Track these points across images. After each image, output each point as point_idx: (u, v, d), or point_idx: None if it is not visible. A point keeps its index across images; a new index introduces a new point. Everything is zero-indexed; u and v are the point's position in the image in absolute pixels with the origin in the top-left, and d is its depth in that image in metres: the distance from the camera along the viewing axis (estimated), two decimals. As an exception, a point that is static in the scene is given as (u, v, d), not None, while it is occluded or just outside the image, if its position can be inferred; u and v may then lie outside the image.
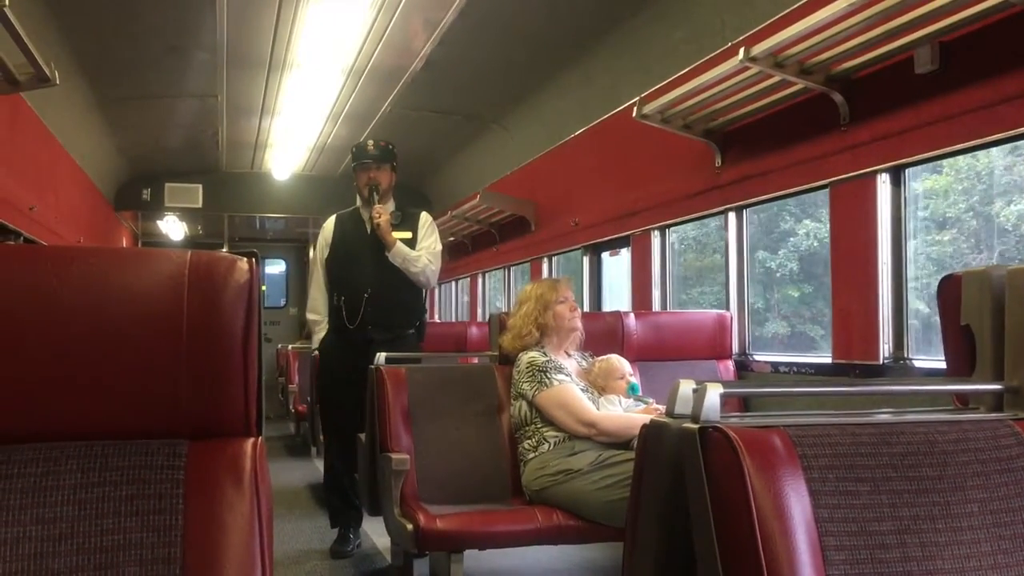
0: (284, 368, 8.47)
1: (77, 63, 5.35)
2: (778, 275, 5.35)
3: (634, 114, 4.07)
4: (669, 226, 4.71)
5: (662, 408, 2.34)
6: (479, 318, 7.81)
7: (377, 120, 6.84)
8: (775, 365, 3.82)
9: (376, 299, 3.74)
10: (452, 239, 8.00)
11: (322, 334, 3.90)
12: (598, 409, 2.95)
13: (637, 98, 4.10)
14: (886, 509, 1.04)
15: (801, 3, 3.39)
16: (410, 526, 2.67)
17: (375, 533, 3.95)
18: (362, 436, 3.38)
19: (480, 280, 8.21)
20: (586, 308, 5.59)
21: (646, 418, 1.23)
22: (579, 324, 3.17)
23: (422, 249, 3.82)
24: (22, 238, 4.94)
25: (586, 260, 5.82)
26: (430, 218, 3.97)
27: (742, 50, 3.17)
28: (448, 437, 3.07)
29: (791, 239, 5.21)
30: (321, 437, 4.48)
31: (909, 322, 3.12)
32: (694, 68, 4.11)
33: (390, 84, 6.03)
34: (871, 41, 2.90)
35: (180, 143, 7.99)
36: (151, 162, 8.62)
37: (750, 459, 1.01)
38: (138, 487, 1.01)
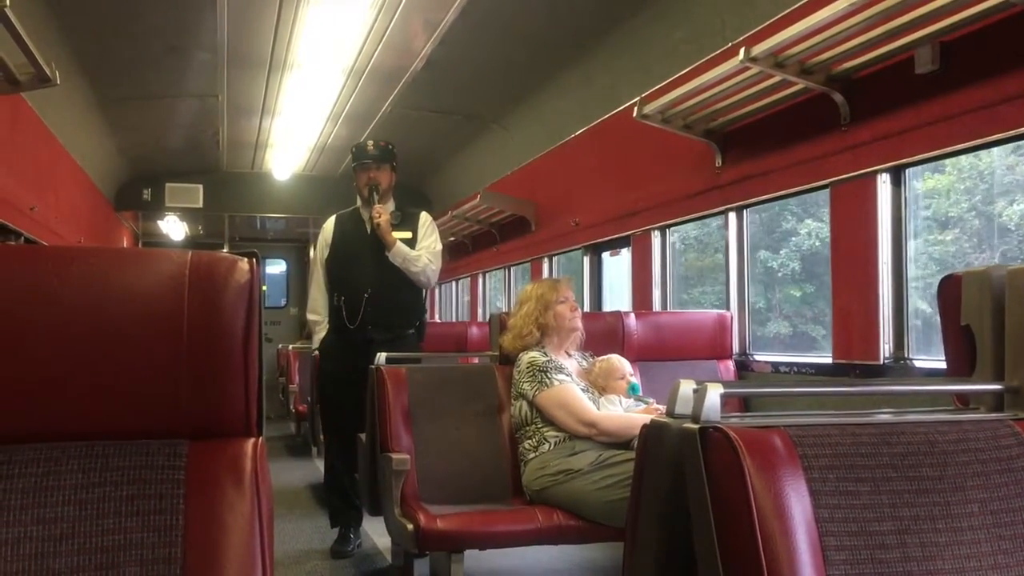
0: (285, 368, 8.47)
1: (78, 63, 5.35)
2: (780, 275, 5.35)
3: (634, 114, 4.07)
4: (669, 226, 4.71)
5: (662, 408, 2.34)
6: (479, 318, 7.81)
7: (377, 120, 6.84)
8: (775, 365, 3.82)
9: (376, 299, 3.74)
10: (452, 239, 8.00)
11: (322, 334, 3.90)
12: (598, 409, 2.95)
13: (637, 98, 4.10)
14: (886, 509, 1.04)
15: (801, 3, 3.39)
16: (410, 526, 2.67)
17: (375, 533, 3.95)
18: (362, 436, 3.38)
19: (480, 280, 8.21)
20: (586, 308, 5.59)
21: (646, 418, 1.23)
22: (579, 324, 3.17)
23: (422, 249, 3.82)
24: (23, 238, 4.94)
25: (586, 260, 5.82)
26: (430, 218, 3.97)
27: (742, 50, 3.17)
28: (448, 437, 3.07)
29: (793, 239, 5.21)
30: (321, 437, 4.48)
31: (912, 322, 3.12)
32: (694, 68, 4.11)
33: (390, 84, 6.03)
34: (871, 41, 2.90)
35: (181, 143, 8.00)
36: (152, 162, 8.62)
37: (750, 459, 1.01)
38: (139, 487, 1.01)
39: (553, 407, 2.92)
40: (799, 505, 1.01)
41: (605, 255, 5.73)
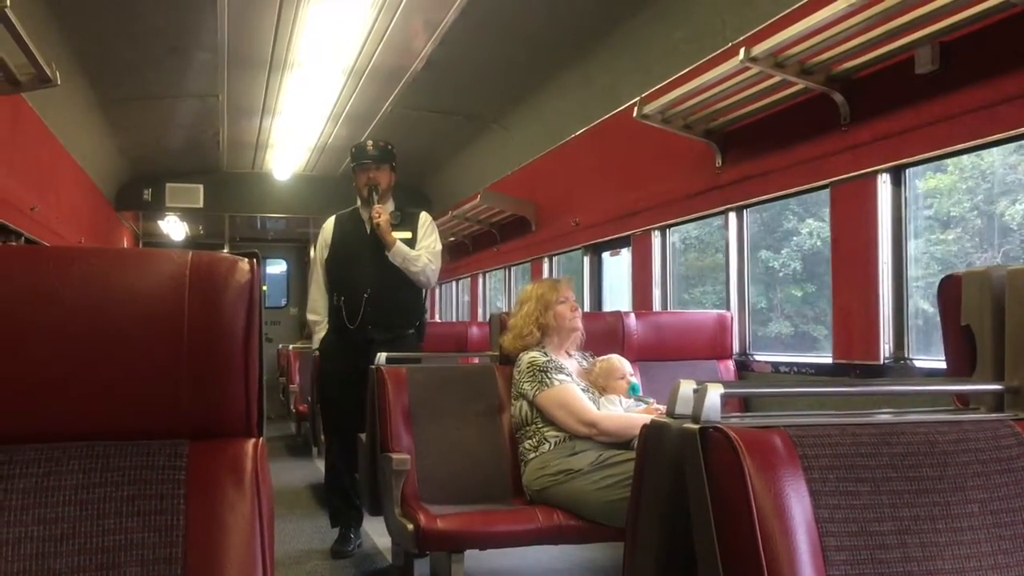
0: (285, 368, 8.47)
1: (78, 64, 5.35)
2: (781, 274, 5.35)
3: (634, 114, 4.07)
4: (670, 226, 4.71)
5: (663, 408, 2.34)
6: (480, 318, 7.81)
7: (378, 120, 6.84)
8: (775, 365, 3.82)
9: (376, 299, 3.74)
10: (453, 239, 8.01)
11: (322, 334, 3.90)
12: (599, 409, 2.95)
13: (637, 98, 4.11)
14: (886, 509, 1.04)
15: (802, 3, 3.39)
16: (411, 526, 2.67)
17: (376, 533, 3.96)
18: (363, 436, 3.38)
19: (481, 280, 8.21)
20: (587, 308, 5.59)
21: (647, 418, 1.23)
22: (580, 324, 3.17)
23: (422, 249, 3.82)
24: (23, 238, 4.95)
25: (586, 260, 5.82)
26: (429, 218, 3.97)
27: (743, 50, 3.17)
28: (449, 437, 3.07)
29: (794, 238, 5.21)
30: (322, 437, 4.49)
31: (913, 322, 3.12)
32: (694, 68, 4.11)
33: (391, 84, 6.03)
34: (872, 41, 2.91)
35: (181, 143, 8.00)
36: (152, 162, 8.62)
37: (750, 459, 1.01)
38: (139, 487, 1.01)
39: (553, 407, 2.93)
40: (799, 505, 1.01)
41: (605, 255, 5.73)
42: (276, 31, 5.07)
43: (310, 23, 4.90)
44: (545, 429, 2.93)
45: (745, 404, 3.13)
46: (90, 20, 4.85)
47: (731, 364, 3.86)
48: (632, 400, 3.03)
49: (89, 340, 1.03)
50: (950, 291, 1.39)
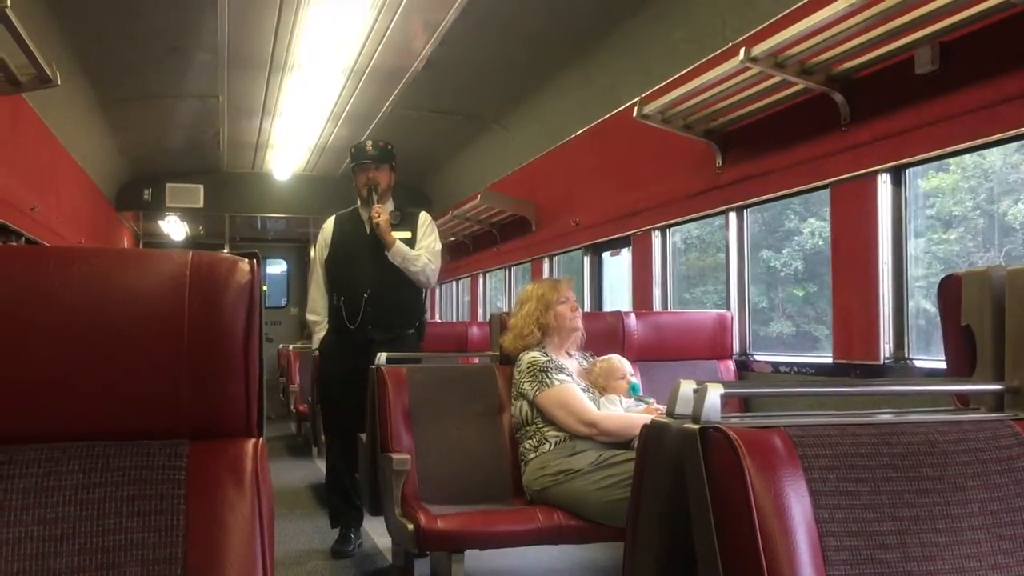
0: (285, 368, 8.47)
1: (78, 64, 5.35)
2: (782, 274, 5.35)
3: (634, 114, 4.07)
4: (670, 226, 4.71)
5: (663, 408, 2.34)
6: (480, 318, 7.81)
7: (378, 120, 6.84)
8: (776, 365, 3.82)
9: (376, 299, 3.74)
10: (453, 239, 8.01)
11: (322, 334, 3.90)
12: (599, 409, 2.95)
13: (637, 98, 4.11)
14: (886, 509, 1.04)
15: (802, 3, 3.39)
16: (411, 526, 2.67)
17: (376, 533, 3.96)
18: (363, 436, 3.38)
19: (481, 280, 8.21)
20: (587, 308, 5.59)
21: (647, 418, 1.23)
22: (580, 324, 3.17)
23: (421, 248, 3.82)
24: (24, 239, 4.95)
25: (587, 260, 5.82)
26: (429, 218, 3.97)
27: (743, 50, 3.17)
28: (449, 437, 3.07)
29: (796, 238, 5.21)
30: (322, 437, 4.49)
31: (916, 321, 3.12)
32: (695, 68, 4.12)
33: (391, 84, 6.03)
34: (872, 41, 2.91)
35: (181, 143, 8.00)
36: (152, 162, 8.62)
37: (750, 459, 1.01)
38: (139, 487, 1.01)
39: (554, 407, 2.93)
40: (799, 505, 1.01)
41: (605, 255, 5.73)
42: (276, 31, 5.07)
43: (310, 23, 4.90)
44: (545, 429, 2.93)
45: (745, 404, 3.13)
46: (90, 20, 4.85)
47: (731, 364, 3.86)
48: (632, 400, 3.03)
49: (89, 340, 1.03)
50: (950, 291, 1.39)
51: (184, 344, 1.05)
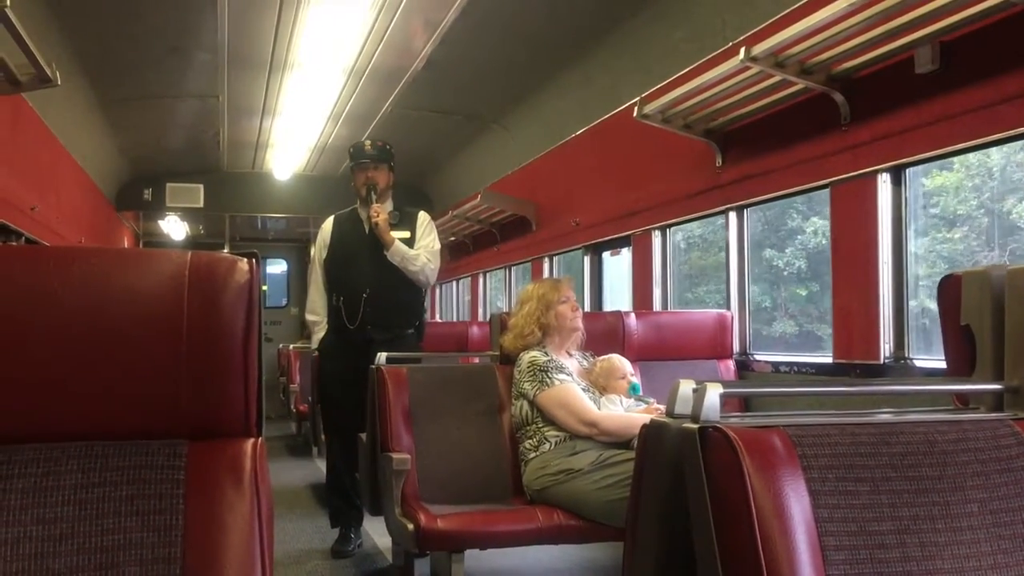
0: (285, 368, 8.47)
1: (78, 64, 5.35)
2: (785, 273, 5.34)
3: (635, 114, 4.07)
4: (670, 226, 4.71)
5: (663, 408, 2.34)
6: (480, 318, 7.81)
7: (378, 120, 6.84)
8: (776, 365, 3.82)
9: (375, 299, 3.74)
10: (453, 239, 8.01)
11: (321, 334, 3.90)
12: (599, 409, 2.95)
13: (637, 98, 4.11)
14: (886, 509, 1.04)
15: (802, 3, 3.39)
16: (411, 526, 2.67)
17: (376, 533, 3.96)
18: (363, 436, 3.38)
19: (481, 280, 8.21)
20: (587, 308, 5.59)
21: (647, 418, 1.23)
22: (580, 324, 3.17)
23: (420, 248, 3.82)
24: (24, 238, 4.95)
25: (587, 260, 5.82)
26: (428, 217, 3.97)
27: (743, 50, 3.17)
28: (449, 437, 3.07)
29: (799, 237, 5.20)
30: (322, 437, 4.49)
31: (920, 321, 3.12)
32: (695, 68, 4.11)
33: (391, 84, 6.03)
34: (872, 41, 2.91)
35: (181, 143, 8.00)
36: (152, 162, 8.63)
37: (750, 459, 1.01)
38: (138, 487, 1.01)
39: (554, 407, 2.92)
40: (798, 505, 1.01)
41: (605, 255, 5.73)
42: (276, 31, 5.07)
43: (310, 23, 4.90)
44: (545, 429, 2.93)
45: (745, 404, 3.13)
46: (90, 20, 4.85)
47: (731, 364, 3.86)
48: (632, 400, 3.03)
49: (89, 340, 1.03)
50: (950, 291, 1.39)
51: (183, 344, 1.05)
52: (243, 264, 1.09)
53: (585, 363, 3.20)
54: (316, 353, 4.12)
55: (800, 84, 3.27)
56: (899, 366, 3.08)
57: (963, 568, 1.04)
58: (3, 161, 4.61)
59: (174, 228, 11.11)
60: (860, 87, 3.18)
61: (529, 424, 2.98)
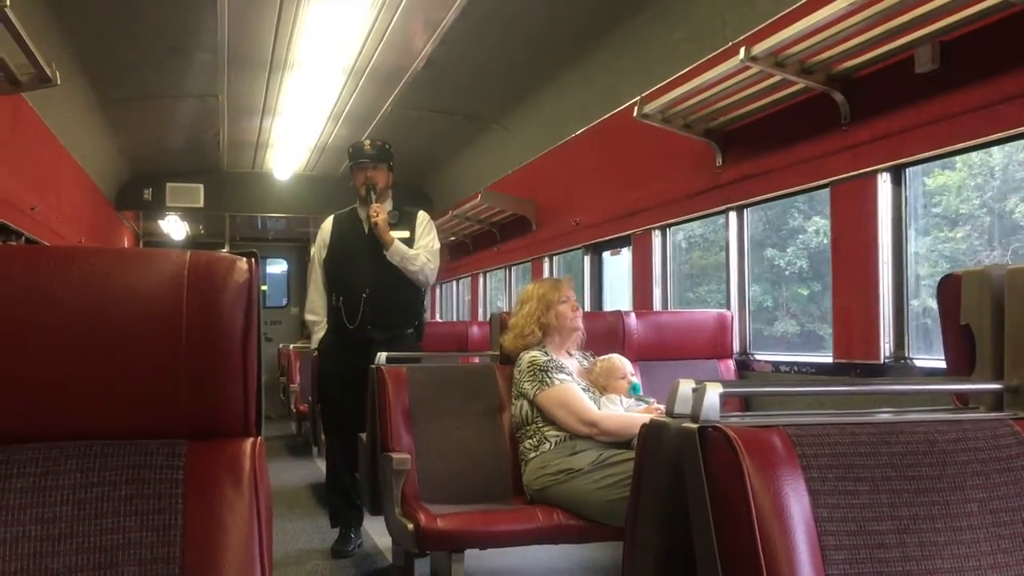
0: (285, 368, 8.47)
1: (78, 64, 5.35)
2: (787, 273, 5.34)
3: (635, 114, 4.07)
4: (670, 225, 4.71)
5: (663, 408, 2.34)
6: (480, 318, 7.81)
7: (378, 120, 6.84)
8: (776, 364, 3.82)
9: (374, 299, 3.74)
10: (453, 239, 8.01)
11: (320, 334, 3.90)
12: (599, 409, 2.95)
13: (637, 98, 4.10)
14: (885, 508, 1.04)
15: (802, 2, 3.39)
16: (411, 526, 2.67)
17: (376, 533, 3.96)
18: (363, 436, 3.38)
19: (481, 279, 8.21)
20: (587, 308, 5.58)
21: (647, 418, 1.23)
22: (581, 324, 3.17)
23: (420, 248, 3.82)
24: (24, 238, 4.95)
25: (587, 259, 5.82)
26: (427, 217, 3.97)
27: (743, 49, 3.17)
28: (449, 437, 3.07)
29: (800, 236, 5.20)
30: (322, 437, 4.49)
31: (922, 320, 3.11)
32: (695, 68, 4.11)
33: (391, 84, 6.03)
34: (871, 40, 2.90)
35: (181, 143, 8.00)
36: (152, 162, 8.63)
37: (749, 458, 1.01)
38: (137, 487, 1.01)
39: (554, 406, 2.92)
40: (798, 504, 1.01)
41: (606, 254, 5.73)
42: (276, 31, 5.07)
43: (310, 23, 4.90)
44: (545, 428, 2.93)
45: (745, 403, 3.13)
46: (90, 20, 4.85)
47: (731, 363, 3.86)
48: (633, 400, 3.03)
49: (88, 340, 1.03)
50: (950, 290, 1.39)
51: (182, 344, 1.05)
52: (242, 263, 1.09)
53: (585, 363, 3.20)
54: (316, 353, 4.12)
55: (800, 84, 3.27)
56: (899, 366, 3.08)
57: (963, 568, 1.04)
58: (3, 161, 4.61)
59: (174, 228, 11.10)
60: (860, 87, 3.18)
61: (529, 424, 2.98)
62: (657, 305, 4.73)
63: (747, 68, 3.27)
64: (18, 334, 1.01)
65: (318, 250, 3.94)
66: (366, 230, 3.79)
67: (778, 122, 3.64)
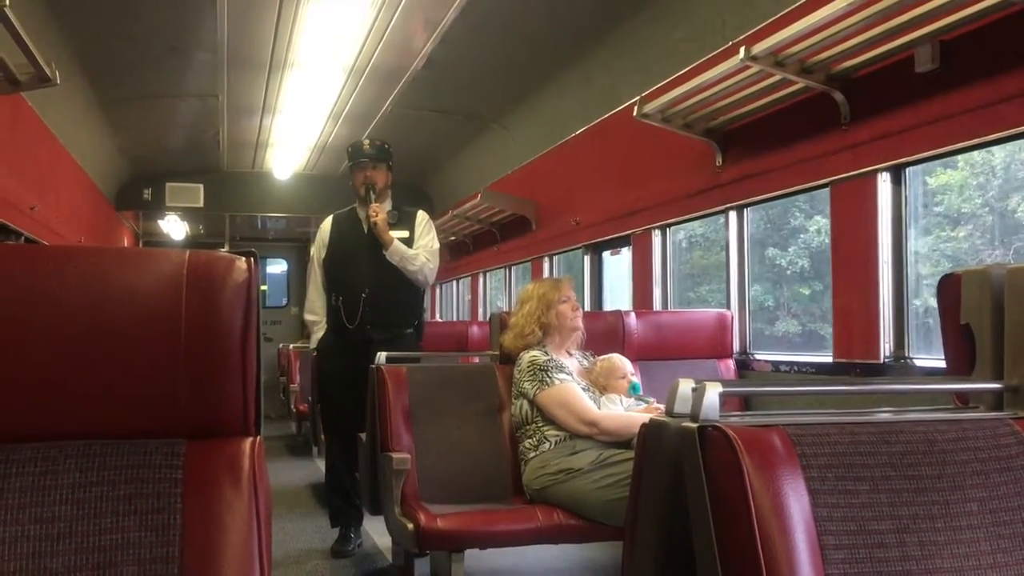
0: (285, 368, 8.47)
1: (78, 63, 5.35)
2: (788, 272, 5.33)
3: (634, 113, 4.07)
4: (670, 225, 4.71)
5: (663, 407, 2.34)
6: (480, 317, 7.81)
7: (378, 119, 6.84)
8: (776, 364, 3.82)
9: (374, 299, 3.74)
10: (453, 238, 8.01)
11: (320, 334, 3.90)
12: (599, 408, 2.95)
13: (637, 97, 4.10)
14: (885, 508, 1.04)
15: (802, 2, 3.39)
16: (411, 525, 2.67)
17: (376, 533, 3.95)
18: (363, 436, 3.38)
19: (481, 279, 8.21)
20: (587, 307, 5.58)
21: (647, 417, 1.23)
22: (581, 323, 3.17)
23: (419, 247, 3.82)
24: (23, 238, 4.95)
25: (587, 259, 5.82)
26: (427, 216, 3.96)
27: (743, 49, 3.16)
28: (449, 436, 3.07)
29: (801, 236, 5.19)
30: (322, 437, 4.49)
31: (923, 320, 3.11)
32: (694, 67, 4.11)
33: (391, 83, 6.03)
34: (871, 40, 2.90)
35: (181, 143, 8.00)
36: (152, 162, 8.62)
37: (749, 458, 1.01)
38: (136, 486, 1.01)
39: (554, 406, 2.92)
40: (798, 504, 1.01)
41: (606, 254, 5.73)
42: (276, 30, 5.06)
43: (310, 22, 4.90)
44: (545, 428, 2.93)
45: (745, 403, 3.13)
46: (90, 20, 4.85)
47: (731, 363, 3.86)
48: (633, 399, 3.03)
49: (87, 339, 1.03)
50: (950, 290, 1.38)
51: (181, 343, 1.05)
52: (241, 263, 1.09)
53: (585, 363, 3.20)
54: (315, 353, 4.12)
55: (800, 83, 3.26)
56: (899, 365, 3.08)
57: (962, 567, 1.04)
58: (3, 161, 4.61)
59: (174, 228, 11.10)
60: (860, 86, 3.18)
61: (529, 423, 2.97)
62: (657, 305, 4.73)
63: (747, 68, 3.27)
64: (17, 334, 1.01)
65: (317, 250, 3.94)
66: (365, 230, 3.79)
67: (778, 122, 3.63)
